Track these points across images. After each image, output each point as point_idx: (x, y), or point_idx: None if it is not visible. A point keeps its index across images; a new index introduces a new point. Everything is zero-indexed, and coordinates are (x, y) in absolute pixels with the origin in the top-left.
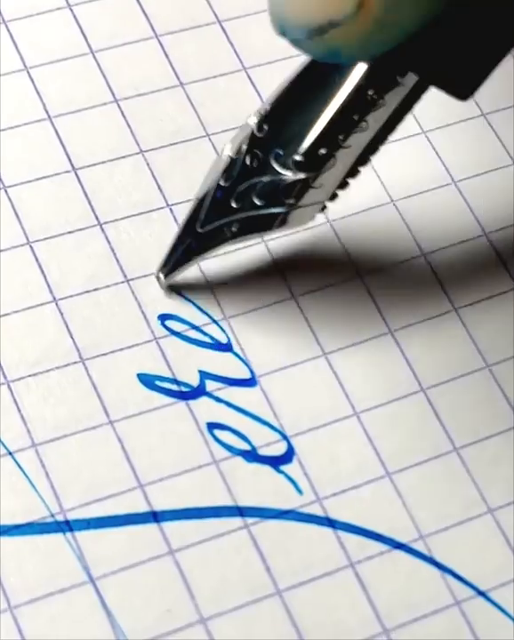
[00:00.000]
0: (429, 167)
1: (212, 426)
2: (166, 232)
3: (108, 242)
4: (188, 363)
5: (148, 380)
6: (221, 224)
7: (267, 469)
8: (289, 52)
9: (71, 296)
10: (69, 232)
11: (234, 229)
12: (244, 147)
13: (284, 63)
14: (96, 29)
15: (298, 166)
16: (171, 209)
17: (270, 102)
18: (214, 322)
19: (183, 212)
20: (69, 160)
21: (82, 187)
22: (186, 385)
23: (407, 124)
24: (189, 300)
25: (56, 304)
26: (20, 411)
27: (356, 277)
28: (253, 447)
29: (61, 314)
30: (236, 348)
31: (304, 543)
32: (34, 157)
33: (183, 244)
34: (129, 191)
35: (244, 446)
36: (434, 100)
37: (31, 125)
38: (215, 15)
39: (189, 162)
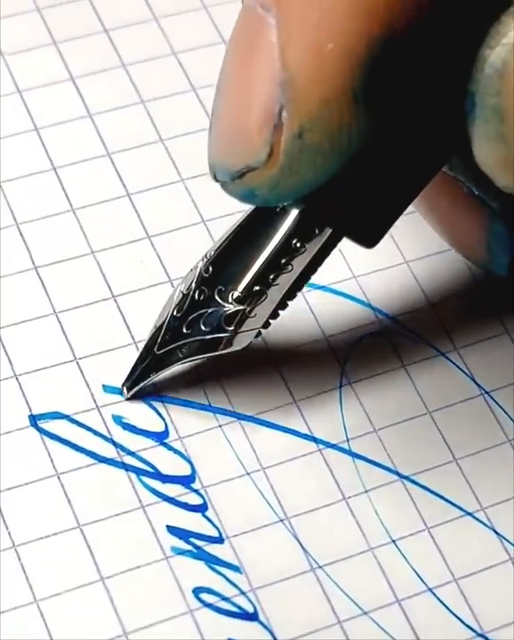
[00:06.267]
0: None
1: None
2: None
3: (150, 522)
4: (219, 631)
5: None
6: (175, 347)
7: None
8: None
9: (116, 574)
10: (116, 514)
11: (185, 351)
12: (194, 285)
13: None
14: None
15: (237, 300)
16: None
17: (215, 249)
18: (242, 593)
19: None
20: (115, 447)
21: (127, 475)
22: None
23: None
24: (220, 574)
25: (103, 582)
26: None
27: None
28: None
29: (108, 591)
30: (262, 618)
31: None
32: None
33: (143, 363)
34: None
35: None
36: None
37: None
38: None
39: None
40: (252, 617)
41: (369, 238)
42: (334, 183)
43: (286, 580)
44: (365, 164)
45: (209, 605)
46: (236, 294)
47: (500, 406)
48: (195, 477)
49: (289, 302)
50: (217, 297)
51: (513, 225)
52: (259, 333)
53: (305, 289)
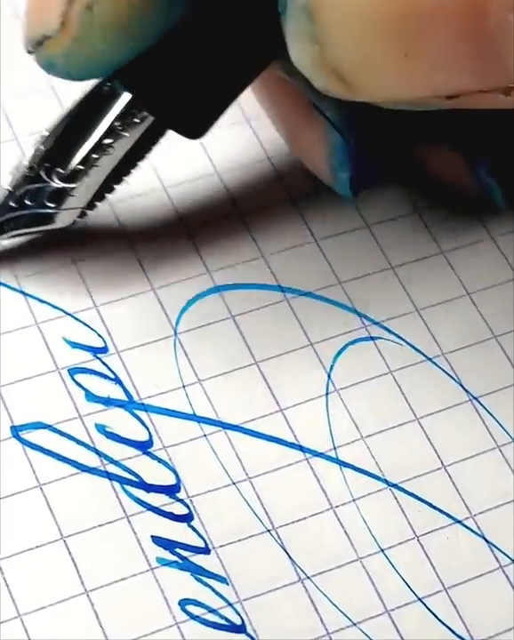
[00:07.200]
0: None
1: None
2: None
3: (134, 532)
4: None
5: None
6: (2, 220)
7: None
8: None
9: (101, 586)
10: (100, 525)
11: (12, 224)
12: (27, 162)
13: None
14: None
15: (61, 178)
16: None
17: (47, 128)
18: (229, 605)
19: None
20: (98, 456)
21: (111, 484)
22: None
23: None
24: (207, 585)
25: (87, 595)
26: None
27: None
28: None
29: (92, 604)
30: (249, 630)
31: None
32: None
33: None
34: None
35: None
36: None
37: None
38: None
39: None
40: (239, 629)
41: (192, 130)
42: (157, 70)
43: (274, 591)
44: (185, 54)
45: (196, 617)
46: (60, 172)
47: (488, 412)
48: (180, 487)
49: (116, 186)
50: (44, 174)
51: (353, 137)
52: (83, 213)
53: (289, 295)
